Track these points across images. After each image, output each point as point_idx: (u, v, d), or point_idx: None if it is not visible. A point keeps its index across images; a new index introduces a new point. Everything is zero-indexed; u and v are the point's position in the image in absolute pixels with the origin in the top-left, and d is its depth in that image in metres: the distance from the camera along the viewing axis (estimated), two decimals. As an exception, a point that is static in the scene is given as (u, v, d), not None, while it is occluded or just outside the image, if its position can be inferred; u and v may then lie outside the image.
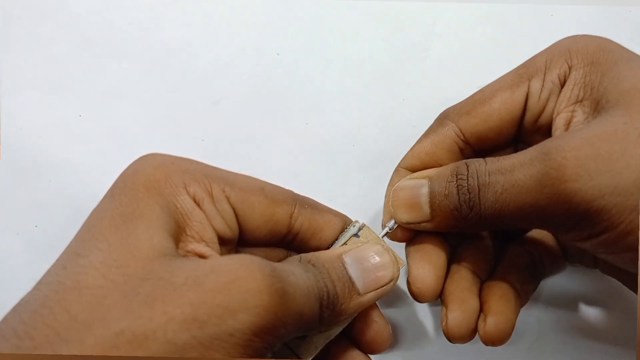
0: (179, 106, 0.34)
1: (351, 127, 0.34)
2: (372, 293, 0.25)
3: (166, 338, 0.19)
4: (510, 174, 0.23)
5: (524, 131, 0.28)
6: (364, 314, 0.27)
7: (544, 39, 0.35)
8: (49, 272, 0.21)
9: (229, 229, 0.25)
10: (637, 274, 0.23)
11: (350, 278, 0.24)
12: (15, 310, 0.20)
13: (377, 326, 0.27)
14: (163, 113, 0.34)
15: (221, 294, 0.20)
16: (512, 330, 0.27)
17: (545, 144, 0.23)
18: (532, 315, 0.33)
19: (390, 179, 0.30)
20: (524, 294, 0.29)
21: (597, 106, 0.25)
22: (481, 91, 0.28)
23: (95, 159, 0.34)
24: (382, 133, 0.32)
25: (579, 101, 0.26)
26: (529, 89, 0.27)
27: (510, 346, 0.33)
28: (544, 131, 0.27)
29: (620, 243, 0.22)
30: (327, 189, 0.33)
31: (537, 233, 0.31)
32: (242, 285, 0.20)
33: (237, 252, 0.26)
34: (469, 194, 0.25)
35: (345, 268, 0.25)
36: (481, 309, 0.28)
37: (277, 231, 0.26)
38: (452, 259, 0.29)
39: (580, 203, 0.22)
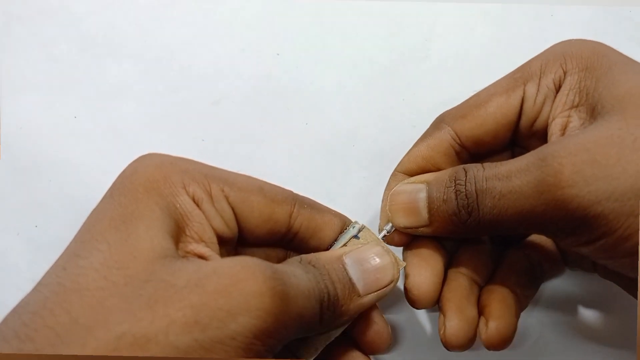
0: (179, 106, 0.34)
1: (351, 127, 0.34)
2: (372, 294, 0.25)
3: (168, 341, 0.19)
4: (507, 180, 0.23)
5: (520, 135, 0.28)
6: (364, 314, 0.27)
7: (544, 39, 0.35)
8: (48, 274, 0.21)
9: (228, 229, 0.25)
10: (636, 279, 0.23)
11: (350, 279, 0.24)
12: (15, 311, 0.20)
13: (377, 327, 0.27)
14: (163, 113, 0.34)
15: (223, 297, 0.20)
16: (514, 334, 0.27)
17: (542, 149, 0.23)
18: (532, 317, 0.33)
19: (388, 183, 0.29)
20: (524, 298, 0.29)
21: (593, 112, 0.25)
22: (477, 95, 0.28)
23: (95, 159, 0.34)
24: (382, 133, 0.32)
25: (574, 106, 0.26)
26: (524, 93, 0.27)
27: (511, 349, 0.32)
28: (540, 135, 0.27)
29: (618, 248, 0.22)
30: (327, 189, 0.33)
31: (536, 238, 0.31)
32: (243, 288, 0.20)
33: (236, 251, 0.26)
34: (467, 199, 0.24)
35: (345, 269, 0.25)
36: (481, 314, 0.28)
37: (276, 231, 0.26)
38: (450, 264, 0.29)
39: (577, 209, 0.22)
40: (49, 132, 0.34)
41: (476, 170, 0.25)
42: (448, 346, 0.27)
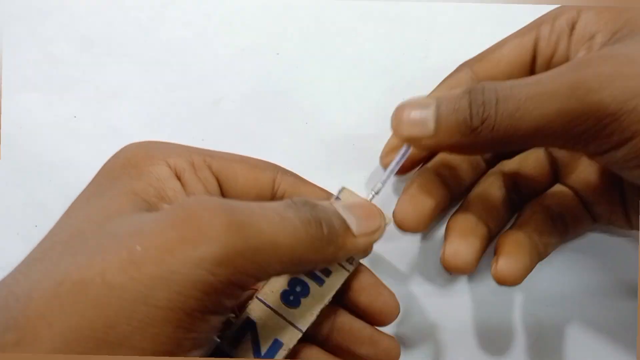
0: (179, 106, 0.34)
1: (351, 127, 0.34)
2: (364, 237, 0.25)
3: (104, 281, 0.19)
4: (537, 84, 0.23)
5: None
6: (369, 287, 0.27)
7: (543, 39, 0.35)
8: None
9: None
10: None
11: (344, 219, 0.24)
12: None
13: (384, 297, 0.27)
14: (163, 113, 0.34)
15: (160, 236, 0.19)
16: (526, 273, 0.28)
17: (574, 60, 0.24)
18: (532, 315, 0.33)
19: (451, 76, 0.30)
20: (543, 246, 0.29)
21: (615, 35, 0.25)
22: (495, 43, 0.30)
23: (95, 158, 0.33)
24: (382, 133, 0.32)
25: (591, 37, 0.26)
26: (538, 34, 0.28)
27: (510, 349, 0.33)
28: None
29: None
30: (327, 189, 0.33)
31: (556, 190, 0.31)
32: (186, 225, 0.20)
33: None
34: (484, 105, 0.23)
35: (338, 211, 0.25)
36: (495, 254, 0.28)
37: (261, 197, 0.26)
38: (461, 206, 0.30)
39: (611, 104, 0.22)
40: (49, 132, 0.34)
41: (498, 83, 0.24)
42: (446, 266, 0.28)
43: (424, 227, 0.29)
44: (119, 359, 0.18)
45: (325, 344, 0.27)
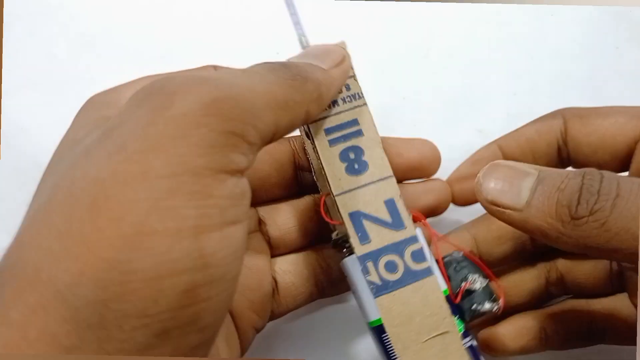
0: (179, 106, 0.34)
1: (351, 127, 0.34)
2: (335, 69, 0.24)
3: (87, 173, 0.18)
4: None
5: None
6: (398, 143, 0.27)
7: (544, 39, 0.35)
8: None
9: None
10: None
11: (307, 62, 0.23)
12: None
13: (416, 145, 0.27)
14: (163, 113, 0.34)
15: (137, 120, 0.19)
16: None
17: None
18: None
19: (477, 151, 0.28)
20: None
21: None
22: (609, 106, 0.26)
23: (95, 159, 0.34)
24: (382, 133, 0.32)
25: None
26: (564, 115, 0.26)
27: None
28: None
29: None
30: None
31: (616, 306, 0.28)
32: (158, 98, 0.18)
33: None
34: (598, 195, 0.20)
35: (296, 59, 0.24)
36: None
37: None
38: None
39: None
40: (49, 132, 0.34)
41: (623, 176, 0.20)
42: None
43: None
44: (119, 359, 0.18)
45: None
